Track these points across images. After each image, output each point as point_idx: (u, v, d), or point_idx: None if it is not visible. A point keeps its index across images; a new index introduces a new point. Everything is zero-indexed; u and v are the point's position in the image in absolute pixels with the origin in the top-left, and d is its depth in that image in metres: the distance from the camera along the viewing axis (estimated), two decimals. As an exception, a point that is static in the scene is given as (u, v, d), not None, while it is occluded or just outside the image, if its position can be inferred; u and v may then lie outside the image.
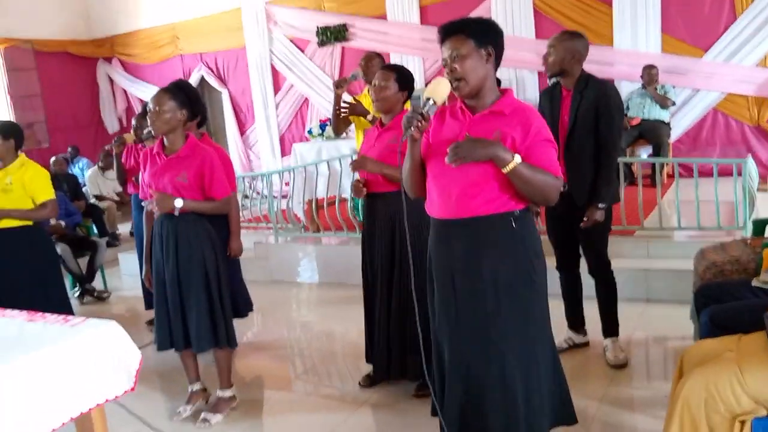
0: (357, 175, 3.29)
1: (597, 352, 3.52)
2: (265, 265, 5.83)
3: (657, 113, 6.64)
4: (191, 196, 3.04)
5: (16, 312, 2.25)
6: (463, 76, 2.10)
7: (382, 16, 8.37)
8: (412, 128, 2.06)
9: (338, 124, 4.28)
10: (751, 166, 4.74)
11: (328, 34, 8.66)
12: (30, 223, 3.67)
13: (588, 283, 3.50)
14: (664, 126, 6.64)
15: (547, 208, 3.36)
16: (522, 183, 2.02)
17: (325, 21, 8.69)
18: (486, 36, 2.12)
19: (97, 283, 5.98)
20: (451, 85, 2.14)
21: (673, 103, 6.67)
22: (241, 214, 6.87)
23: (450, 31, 2.14)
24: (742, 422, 1.89)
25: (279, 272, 5.78)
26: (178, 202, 2.98)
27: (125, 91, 10.94)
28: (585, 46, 3.18)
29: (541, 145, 2.07)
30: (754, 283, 2.64)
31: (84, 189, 8.62)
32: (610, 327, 3.43)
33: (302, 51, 9.05)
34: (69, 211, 6.16)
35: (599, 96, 3.13)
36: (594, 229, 3.24)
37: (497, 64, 2.17)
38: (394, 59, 8.16)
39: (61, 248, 5.65)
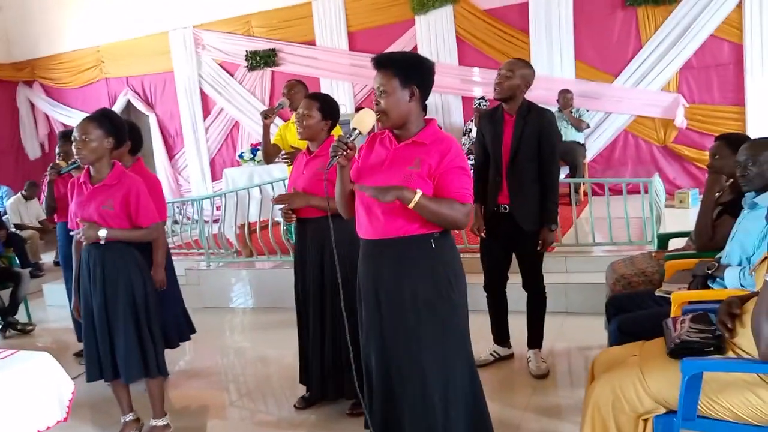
0: None
1: (521, 364, 3.72)
2: (197, 292, 5.79)
3: (572, 135, 7.04)
4: (118, 225, 3.04)
5: (-58, 347, 2.21)
6: (386, 111, 2.25)
7: (311, 42, 8.52)
8: (338, 157, 2.20)
9: (268, 152, 4.37)
10: (658, 185, 5.12)
11: (258, 58, 8.74)
12: None
13: (512, 298, 3.72)
14: (579, 147, 7.05)
15: (487, 228, 3.55)
16: (427, 214, 2.18)
17: (254, 46, 8.77)
18: (412, 75, 2.25)
19: (21, 316, 5.78)
20: (376, 116, 2.28)
21: (588, 126, 7.10)
22: (171, 240, 6.82)
23: (379, 64, 2.27)
24: (645, 420, 2.08)
25: (211, 298, 5.76)
26: (102, 232, 2.97)
27: (47, 116, 10.62)
28: (533, 75, 3.41)
29: (452, 172, 2.23)
30: (657, 292, 2.89)
31: (4, 218, 8.29)
32: (535, 339, 3.63)
33: (231, 75, 9.08)
34: (-11, 242, 5.94)
35: (542, 122, 3.34)
36: (532, 248, 3.44)
37: (425, 98, 2.32)
38: (324, 84, 8.32)
39: (-20, 280, 5.45)
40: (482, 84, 7.80)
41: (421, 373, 2.26)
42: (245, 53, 8.80)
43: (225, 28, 8.96)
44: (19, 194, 8.39)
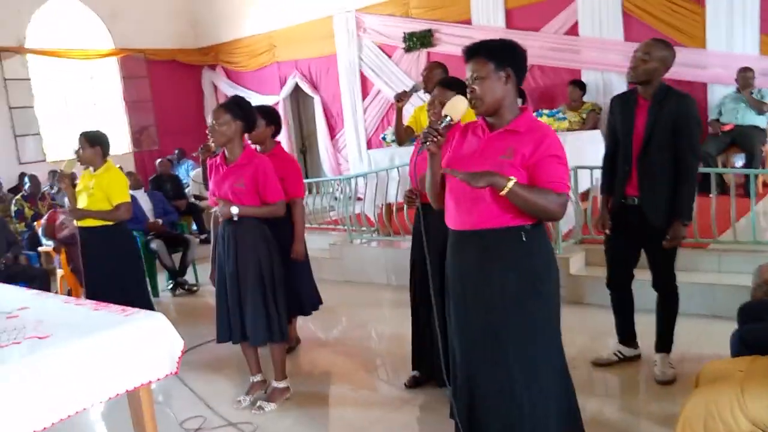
0: (409, 185, 3.41)
1: (647, 368, 3.46)
2: (339, 265, 6.10)
3: (751, 119, 6.28)
4: (249, 201, 3.31)
5: (87, 301, 2.59)
6: (481, 97, 2.21)
7: (467, 21, 8.43)
8: (428, 143, 2.20)
9: (400, 134, 4.46)
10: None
11: (414, 40, 8.83)
12: (111, 222, 4.13)
13: (644, 295, 3.47)
14: (759, 132, 6.28)
15: (613, 221, 3.36)
16: (521, 203, 2.12)
17: (412, 27, 8.86)
18: (505, 58, 2.22)
19: (189, 277, 6.49)
20: (470, 103, 2.25)
21: (770, 108, 6.28)
22: (328, 215, 7.21)
23: (472, 53, 2.25)
24: (742, 444, 1.87)
25: (352, 273, 6.04)
26: (234, 209, 3.26)
27: (226, 97, 11.65)
28: (673, 57, 3.16)
29: (547, 160, 2.15)
30: (798, 304, 2.54)
31: (188, 189, 9.30)
32: (664, 342, 3.37)
33: (389, 57, 9.28)
34: (166, 210, 6.71)
35: (680, 108, 3.09)
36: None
37: (519, 83, 2.26)
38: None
39: (156, 244, 6.21)
40: (648, 62, 7.21)
41: (508, 366, 2.22)
42: (403, 35, 8.93)
43: (385, 11, 9.15)
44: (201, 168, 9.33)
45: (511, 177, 2.09)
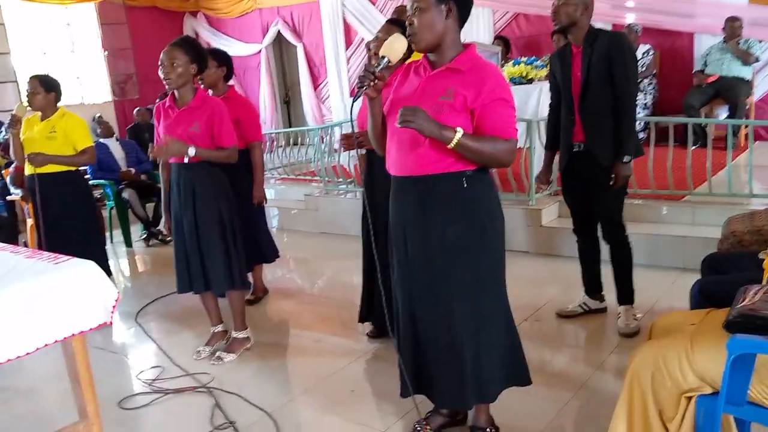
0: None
1: (613, 320, 3.41)
2: (314, 217, 6.00)
3: (737, 70, 6.13)
4: (204, 146, 3.17)
5: (22, 248, 2.48)
6: (418, 31, 2.06)
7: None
8: (365, 88, 2.06)
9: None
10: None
11: (399, -14, 8.55)
12: (72, 169, 4.02)
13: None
14: (744, 84, 6.13)
15: (563, 168, 3.29)
16: (468, 154, 2.02)
17: (397, -27, 8.56)
18: None
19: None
20: (409, 38, 2.10)
21: (757, 59, 6.12)
22: (308, 167, 7.08)
23: None
24: (689, 398, 1.80)
25: (327, 224, 5.94)
26: (191, 150, 3.12)
27: (208, 45, 11.31)
28: (592, 0, 3.08)
29: (493, 105, 2.02)
30: (761, 255, 2.45)
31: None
32: (624, 294, 3.32)
33: (373, 4, 8.99)
34: (139, 159, 6.55)
35: (611, 45, 3.01)
36: (610, 190, 3.13)
37: (462, 20, 2.11)
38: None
39: (128, 193, 6.08)
40: (636, 10, 7.00)
41: (450, 320, 2.14)
42: (387, -19, 8.64)
43: (369, -45, 8.83)
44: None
45: (458, 128, 1.98)
